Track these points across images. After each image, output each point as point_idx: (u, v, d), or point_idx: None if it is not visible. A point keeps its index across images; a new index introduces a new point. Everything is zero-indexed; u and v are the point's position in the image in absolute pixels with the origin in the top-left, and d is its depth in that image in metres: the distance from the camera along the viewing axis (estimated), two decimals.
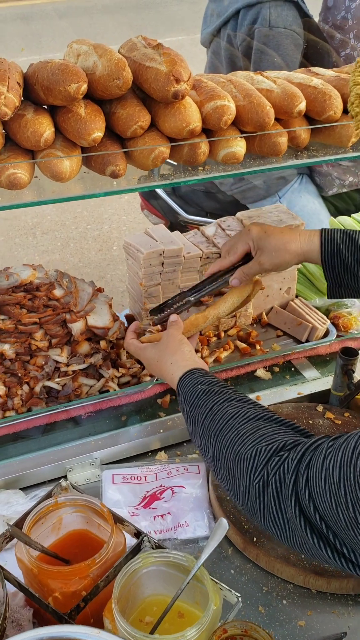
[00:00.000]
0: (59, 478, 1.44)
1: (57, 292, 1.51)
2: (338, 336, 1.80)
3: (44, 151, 1.21)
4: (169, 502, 1.37)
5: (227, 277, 1.46)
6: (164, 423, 1.55)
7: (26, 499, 1.34)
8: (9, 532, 1.14)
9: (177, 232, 1.79)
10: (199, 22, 2.71)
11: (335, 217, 2.16)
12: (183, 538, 1.32)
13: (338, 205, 2.62)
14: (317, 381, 1.70)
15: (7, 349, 1.49)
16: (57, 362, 1.55)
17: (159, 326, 1.46)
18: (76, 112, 1.20)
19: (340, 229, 1.42)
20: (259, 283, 1.47)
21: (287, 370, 1.73)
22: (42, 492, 1.34)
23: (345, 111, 1.39)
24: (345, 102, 1.37)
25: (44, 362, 1.54)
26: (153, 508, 1.35)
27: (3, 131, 1.20)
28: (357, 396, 1.57)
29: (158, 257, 1.65)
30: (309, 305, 1.87)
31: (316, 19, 2.51)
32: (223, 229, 1.81)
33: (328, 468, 0.84)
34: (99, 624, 1.07)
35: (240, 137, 1.29)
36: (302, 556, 1.25)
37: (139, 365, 1.65)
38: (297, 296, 1.91)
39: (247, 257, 1.47)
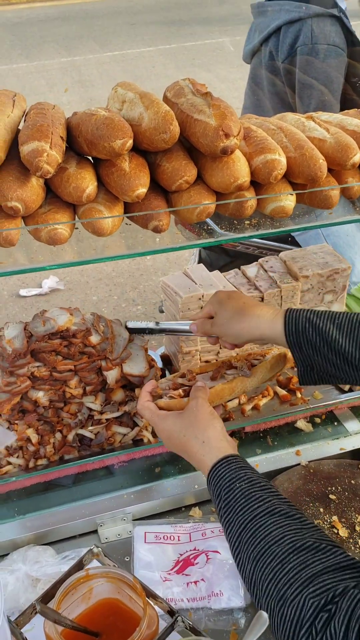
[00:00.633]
0: (90, 532, 1.41)
1: (94, 339, 1.47)
2: None
3: (85, 205, 1.16)
4: (203, 568, 1.31)
5: (188, 323, 1.44)
6: (198, 477, 1.50)
7: (56, 559, 1.30)
8: (36, 605, 1.10)
9: (217, 273, 1.73)
10: (239, 24, 2.69)
11: None
12: (217, 608, 1.27)
13: None
14: None
15: (41, 396, 1.46)
16: (90, 409, 1.51)
17: (180, 391, 1.29)
18: (120, 167, 1.15)
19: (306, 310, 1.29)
20: (290, 360, 1.37)
21: (328, 422, 1.66)
22: (72, 553, 1.30)
23: None
24: None
25: (77, 410, 1.50)
26: (186, 574, 1.30)
27: (44, 185, 1.16)
28: None
29: (197, 302, 1.60)
30: None
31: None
32: (265, 270, 1.74)
33: None
34: None
35: (291, 194, 1.22)
36: None
37: None
38: None
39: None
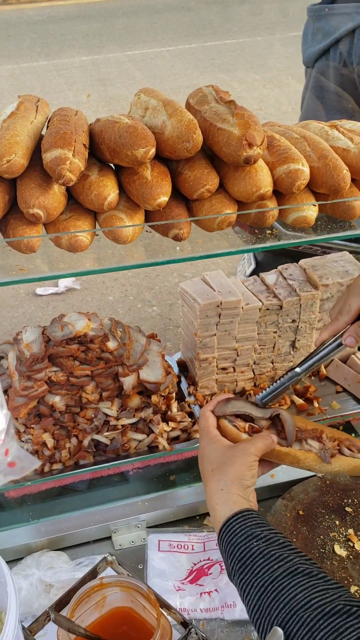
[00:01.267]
0: (104, 539, 1.41)
1: (111, 345, 1.46)
2: None
3: (106, 213, 1.16)
4: (217, 579, 1.31)
5: (339, 339, 1.22)
6: None
7: (70, 565, 1.30)
8: (50, 613, 1.10)
9: (235, 279, 1.72)
10: (260, 24, 2.61)
11: None
12: (230, 619, 1.26)
13: None
14: None
15: (58, 401, 1.46)
16: (106, 415, 1.51)
17: (247, 426, 1.19)
18: (142, 175, 1.14)
19: None
20: None
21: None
22: (86, 560, 1.30)
23: None
24: None
25: (93, 415, 1.50)
26: (200, 585, 1.30)
27: (65, 192, 1.15)
28: None
29: (215, 309, 1.59)
30: None
31: None
32: (285, 277, 1.73)
33: None
34: None
35: (314, 205, 1.21)
36: None
37: (190, 419, 1.59)
38: (359, 349, 1.82)
39: None
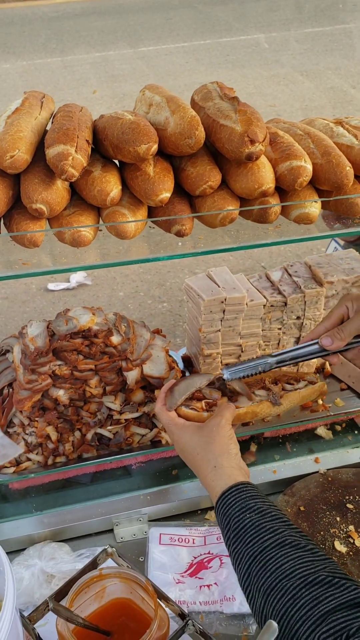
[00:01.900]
0: (106, 531, 1.42)
1: (115, 339, 1.48)
2: None
3: (109, 208, 1.17)
4: (217, 572, 1.32)
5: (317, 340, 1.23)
6: None
7: (72, 556, 1.32)
8: (49, 602, 1.11)
9: (241, 276, 1.72)
10: (275, 20, 2.61)
11: None
12: (229, 613, 1.27)
13: None
14: None
15: (62, 394, 1.47)
16: (110, 409, 1.52)
17: (203, 403, 1.25)
18: (145, 171, 1.15)
19: None
20: (325, 393, 1.33)
21: (349, 430, 1.65)
22: (88, 551, 1.32)
23: None
24: None
25: (97, 409, 1.52)
26: (199, 578, 1.31)
27: (69, 187, 1.17)
28: None
29: (219, 305, 1.59)
30: None
31: None
32: (290, 274, 1.73)
33: None
34: None
35: (316, 201, 1.21)
36: None
37: None
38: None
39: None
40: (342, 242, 2.20)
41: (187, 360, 1.81)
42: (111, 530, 1.43)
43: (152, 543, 1.38)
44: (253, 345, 1.68)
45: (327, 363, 1.80)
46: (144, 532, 1.43)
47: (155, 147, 1.11)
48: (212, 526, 1.42)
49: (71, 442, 1.50)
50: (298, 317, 1.67)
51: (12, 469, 1.45)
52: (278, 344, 1.71)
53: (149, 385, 1.54)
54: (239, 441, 1.16)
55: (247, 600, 0.94)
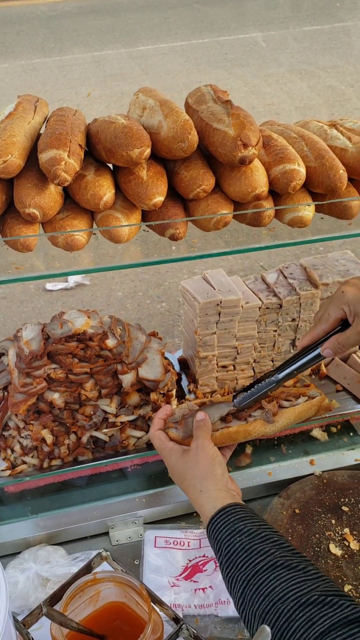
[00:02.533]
0: (101, 534, 1.42)
1: (110, 343, 1.47)
2: None
3: (103, 212, 1.17)
4: (212, 575, 1.32)
5: (319, 347, 1.21)
6: None
7: (67, 560, 1.32)
8: (42, 607, 1.11)
9: (236, 278, 1.72)
10: (273, 19, 2.61)
11: None
12: (223, 616, 1.27)
13: None
14: None
15: (57, 397, 1.47)
16: (105, 412, 1.52)
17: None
18: (138, 175, 1.15)
19: None
20: (328, 408, 1.26)
21: (344, 432, 1.65)
22: (83, 555, 1.32)
23: None
24: None
25: (92, 412, 1.52)
26: (194, 581, 1.31)
27: (62, 191, 1.17)
28: None
29: (215, 307, 1.59)
30: None
31: None
32: (285, 277, 1.73)
33: None
34: None
35: (309, 205, 1.21)
36: None
37: None
38: None
39: (345, 324, 1.21)
40: None
41: (183, 362, 1.81)
42: (106, 533, 1.44)
43: (148, 546, 1.38)
44: (249, 348, 1.69)
45: (323, 365, 1.80)
46: (140, 534, 1.43)
47: (148, 151, 1.11)
48: None
49: (67, 445, 1.50)
50: (293, 319, 1.67)
51: (8, 472, 1.45)
52: (274, 345, 1.71)
53: (144, 388, 1.54)
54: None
55: (245, 625, 0.94)
